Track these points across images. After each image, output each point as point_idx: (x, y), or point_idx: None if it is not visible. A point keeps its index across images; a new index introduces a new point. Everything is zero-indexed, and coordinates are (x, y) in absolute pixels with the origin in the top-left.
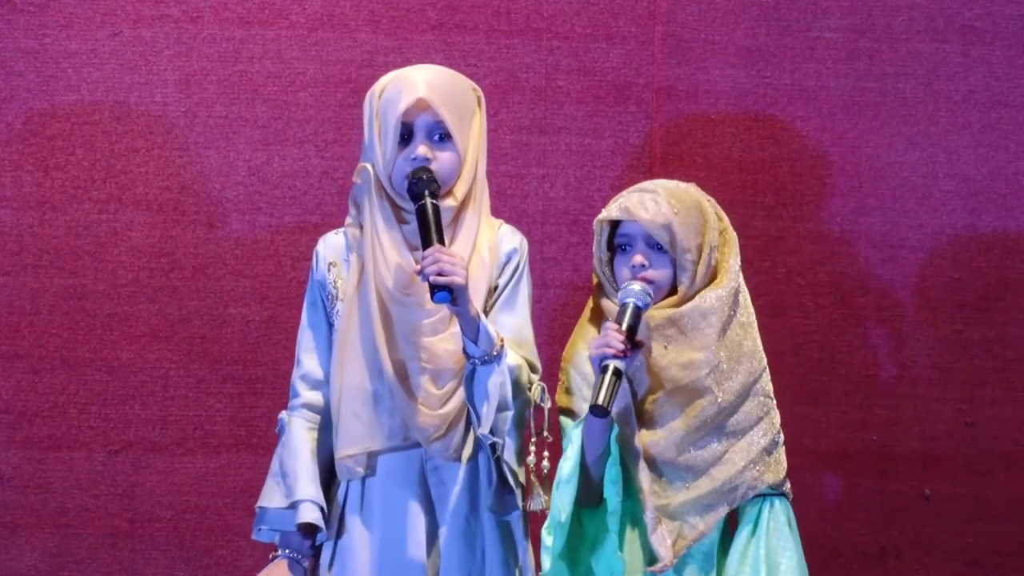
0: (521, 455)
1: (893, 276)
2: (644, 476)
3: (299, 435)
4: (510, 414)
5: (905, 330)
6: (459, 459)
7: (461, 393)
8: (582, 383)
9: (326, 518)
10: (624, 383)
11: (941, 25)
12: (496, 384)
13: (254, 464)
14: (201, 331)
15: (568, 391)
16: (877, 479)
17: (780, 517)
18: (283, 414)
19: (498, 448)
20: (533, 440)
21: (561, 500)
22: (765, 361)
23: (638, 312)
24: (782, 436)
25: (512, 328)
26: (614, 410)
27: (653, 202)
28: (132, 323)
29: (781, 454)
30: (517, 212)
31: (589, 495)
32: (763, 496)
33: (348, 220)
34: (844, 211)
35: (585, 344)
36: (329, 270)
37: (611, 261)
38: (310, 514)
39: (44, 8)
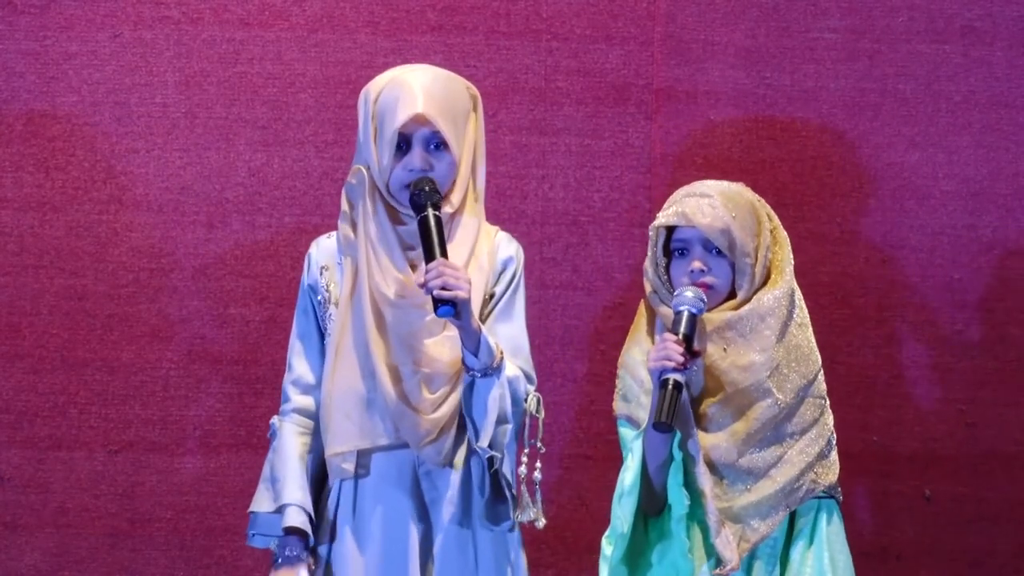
0: (515, 466)
1: (893, 277)
2: (705, 479)
3: (289, 440)
4: (510, 427)
5: (905, 331)
6: (451, 464)
7: (454, 398)
8: (639, 390)
9: (313, 523)
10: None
11: (941, 26)
12: (496, 397)
13: (254, 464)
14: (201, 331)
15: (625, 398)
16: (878, 480)
17: (836, 520)
18: (274, 419)
19: (496, 462)
20: (525, 451)
21: (623, 511)
22: (820, 362)
23: (693, 319)
24: (835, 437)
25: (509, 338)
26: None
27: (710, 207)
28: (132, 323)
29: (835, 455)
30: (516, 213)
31: (652, 504)
32: (817, 499)
33: (340, 216)
34: (844, 212)
35: (641, 351)
36: (321, 274)
37: (667, 267)
38: (296, 518)
39: (45, 10)
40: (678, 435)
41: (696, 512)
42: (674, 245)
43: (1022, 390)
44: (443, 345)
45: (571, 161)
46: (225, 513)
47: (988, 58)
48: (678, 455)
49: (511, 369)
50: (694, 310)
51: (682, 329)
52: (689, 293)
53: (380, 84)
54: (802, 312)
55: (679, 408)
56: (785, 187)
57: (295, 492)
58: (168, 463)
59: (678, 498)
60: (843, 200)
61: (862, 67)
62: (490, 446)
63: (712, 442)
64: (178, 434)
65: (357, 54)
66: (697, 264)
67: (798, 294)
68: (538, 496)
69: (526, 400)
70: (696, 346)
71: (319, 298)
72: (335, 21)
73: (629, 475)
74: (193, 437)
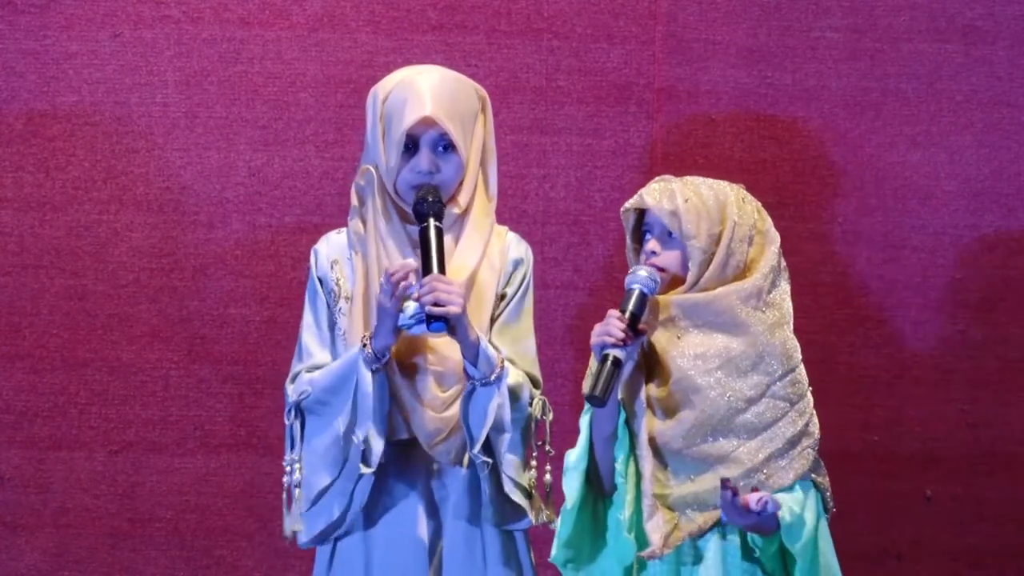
0: (526, 468)
1: (895, 276)
2: (647, 463)
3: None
4: (507, 436)
5: (907, 330)
6: (461, 463)
7: None
8: None
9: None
10: (630, 367)
11: (943, 25)
12: (494, 406)
13: (254, 464)
14: (201, 331)
15: (590, 375)
16: (878, 480)
17: (812, 504)
18: (290, 397)
19: (487, 467)
20: (534, 454)
21: (568, 487)
22: (793, 364)
23: (643, 298)
24: (809, 442)
25: (516, 341)
26: (621, 393)
27: (666, 190)
28: (133, 323)
29: (800, 460)
30: (517, 212)
31: (604, 482)
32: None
33: (351, 214)
34: (846, 211)
35: None
36: (332, 268)
37: (639, 251)
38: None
39: (45, 9)
40: (624, 414)
41: (639, 494)
42: (643, 228)
43: None
44: (454, 343)
45: (572, 160)
46: (225, 513)
47: (990, 57)
48: (623, 433)
49: (514, 376)
50: (645, 289)
51: (629, 307)
52: (643, 272)
53: (388, 86)
54: (778, 312)
55: (615, 383)
56: (786, 186)
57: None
58: (168, 463)
59: (618, 475)
60: (845, 199)
61: (864, 66)
62: (488, 453)
63: (659, 427)
64: (178, 434)
65: (358, 53)
66: (651, 245)
67: (780, 294)
68: (550, 499)
69: (531, 404)
70: (642, 325)
71: (328, 291)
72: (336, 20)
73: (575, 452)
74: (193, 437)
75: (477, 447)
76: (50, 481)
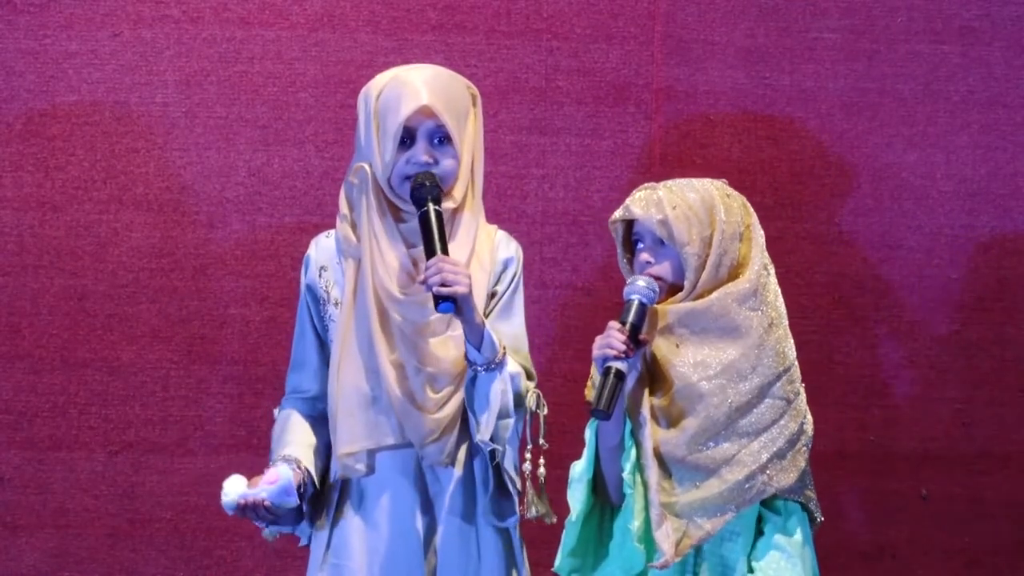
0: (518, 462)
1: (891, 276)
2: (652, 472)
3: (291, 414)
4: (511, 422)
5: (903, 330)
6: (453, 464)
7: (457, 398)
8: None
9: (313, 484)
10: (634, 378)
11: (940, 26)
12: (498, 391)
13: (254, 464)
14: (201, 331)
15: (593, 386)
16: (875, 479)
17: (796, 530)
18: (276, 410)
19: (498, 455)
20: (529, 448)
21: (572, 499)
22: (789, 363)
23: (643, 309)
24: (805, 440)
25: (509, 336)
26: (626, 404)
27: (653, 198)
28: (132, 323)
29: (799, 458)
30: (516, 213)
31: (611, 493)
32: (784, 501)
33: (339, 218)
34: (843, 212)
35: None
36: (320, 274)
37: (632, 261)
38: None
39: (44, 9)
40: (630, 424)
41: (647, 503)
42: (633, 238)
43: (1019, 390)
44: (447, 344)
45: (571, 161)
46: (225, 513)
47: (986, 58)
48: (630, 444)
49: (513, 365)
50: (644, 300)
51: (629, 318)
52: (641, 282)
53: (381, 83)
54: (774, 312)
55: (618, 396)
56: (784, 187)
57: (291, 448)
58: (168, 463)
59: (627, 486)
60: (841, 200)
61: (861, 67)
62: (491, 440)
63: (663, 436)
64: (178, 434)
65: (357, 53)
66: (644, 256)
67: (772, 292)
68: (543, 493)
69: (526, 396)
70: (643, 335)
71: (316, 298)
72: (335, 20)
73: (580, 463)
74: (193, 437)
75: (485, 433)
76: (50, 481)
